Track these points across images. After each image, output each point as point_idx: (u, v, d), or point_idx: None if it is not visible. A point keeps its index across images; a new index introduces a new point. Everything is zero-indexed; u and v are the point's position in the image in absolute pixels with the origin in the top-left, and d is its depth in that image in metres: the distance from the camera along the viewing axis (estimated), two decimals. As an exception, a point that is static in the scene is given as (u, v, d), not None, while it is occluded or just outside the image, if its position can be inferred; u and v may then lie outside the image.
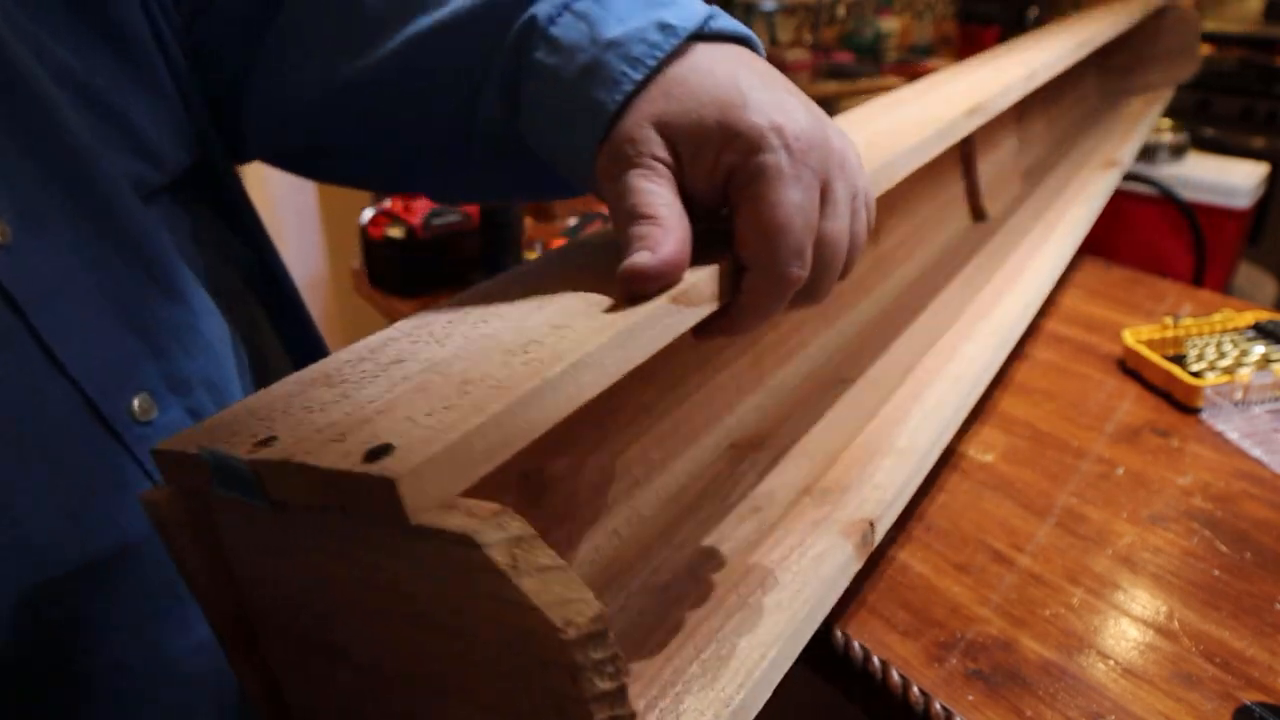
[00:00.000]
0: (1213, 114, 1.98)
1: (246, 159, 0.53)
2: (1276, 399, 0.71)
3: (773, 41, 2.23)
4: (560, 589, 0.23)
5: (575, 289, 0.36)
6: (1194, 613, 0.51)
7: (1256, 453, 0.65)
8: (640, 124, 0.35)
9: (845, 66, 2.33)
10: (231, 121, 0.50)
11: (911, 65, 2.40)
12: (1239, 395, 0.71)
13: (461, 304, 0.37)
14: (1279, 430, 0.68)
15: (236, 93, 0.48)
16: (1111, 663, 0.47)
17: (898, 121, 0.63)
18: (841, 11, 2.48)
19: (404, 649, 0.29)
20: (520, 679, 0.25)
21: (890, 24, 2.50)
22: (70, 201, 0.37)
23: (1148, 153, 1.42)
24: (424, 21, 0.42)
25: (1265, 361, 0.74)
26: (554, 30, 0.37)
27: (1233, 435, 0.68)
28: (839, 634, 0.49)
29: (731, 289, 0.36)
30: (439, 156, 0.47)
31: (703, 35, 0.37)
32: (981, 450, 0.66)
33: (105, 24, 0.41)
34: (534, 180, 0.45)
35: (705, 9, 0.37)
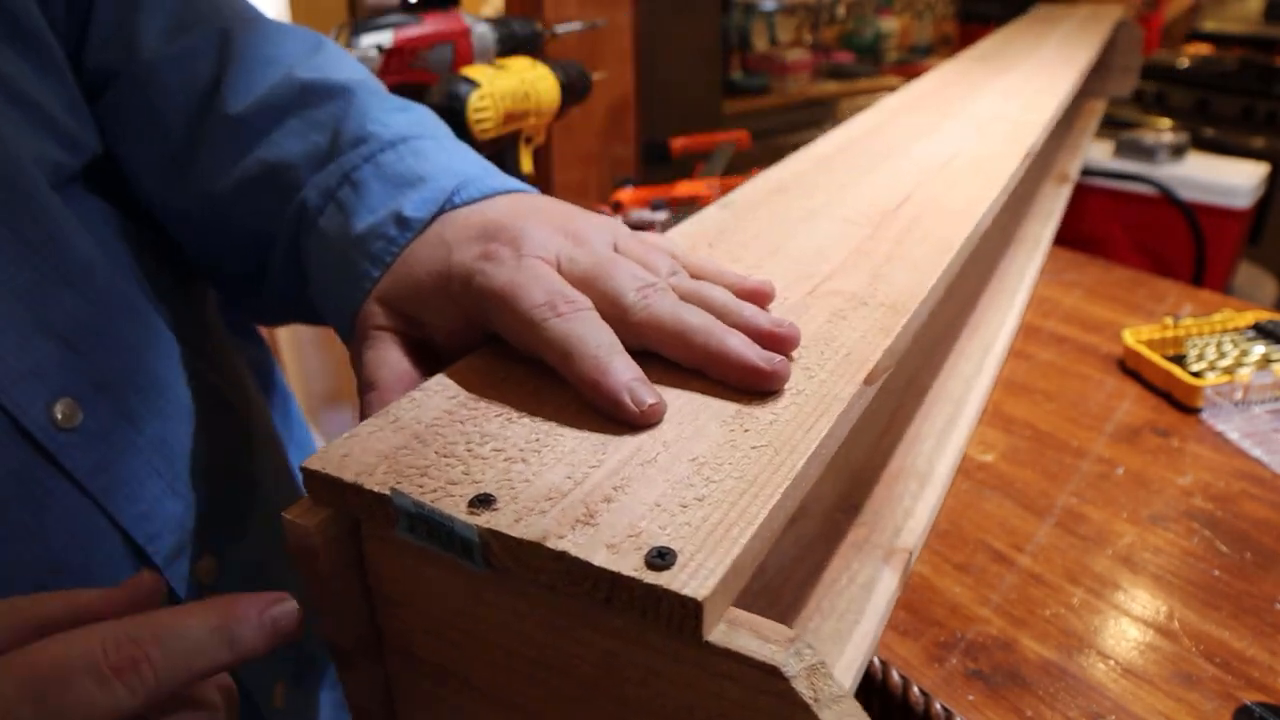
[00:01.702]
0: (1213, 114, 1.98)
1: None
2: (1276, 399, 0.71)
3: (772, 41, 2.23)
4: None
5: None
6: (1194, 613, 0.51)
7: (1256, 453, 0.65)
8: (368, 303, 0.37)
9: (845, 66, 2.32)
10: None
11: (911, 65, 2.40)
12: (1239, 395, 0.71)
13: None
14: (1279, 430, 0.68)
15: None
16: (1111, 663, 0.47)
17: (957, 167, 0.61)
18: (841, 11, 2.48)
19: None
20: None
21: (890, 24, 2.49)
22: None
23: (1147, 152, 1.42)
24: (230, 172, 0.43)
25: (1265, 361, 0.74)
26: (321, 222, 0.40)
27: (1233, 435, 0.68)
28: (839, 634, 0.49)
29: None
30: (241, 287, 0.49)
31: (443, 211, 0.38)
32: (981, 450, 0.66)
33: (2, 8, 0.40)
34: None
35: (453, 184, 0.38)
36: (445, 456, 0.28)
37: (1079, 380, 0.77)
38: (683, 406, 0.31)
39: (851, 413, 0.32)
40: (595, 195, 1.36)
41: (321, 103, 0.43)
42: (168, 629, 0.26)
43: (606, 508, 0.26)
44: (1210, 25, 2.48)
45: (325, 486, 0.28)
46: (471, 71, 0.79)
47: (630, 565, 0.23)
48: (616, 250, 0.36)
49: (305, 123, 0.42)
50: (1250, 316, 0.82)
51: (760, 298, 0.37)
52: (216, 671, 0.26)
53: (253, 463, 0.48)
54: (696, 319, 0.32)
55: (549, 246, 0.34)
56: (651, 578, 0.23)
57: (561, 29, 0.94)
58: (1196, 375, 0.72)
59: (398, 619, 0.31)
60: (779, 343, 0.33)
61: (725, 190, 1.11)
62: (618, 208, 1.03)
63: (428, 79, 0.79)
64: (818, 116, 2.12)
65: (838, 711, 0.23)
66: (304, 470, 0.28)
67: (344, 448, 0.29)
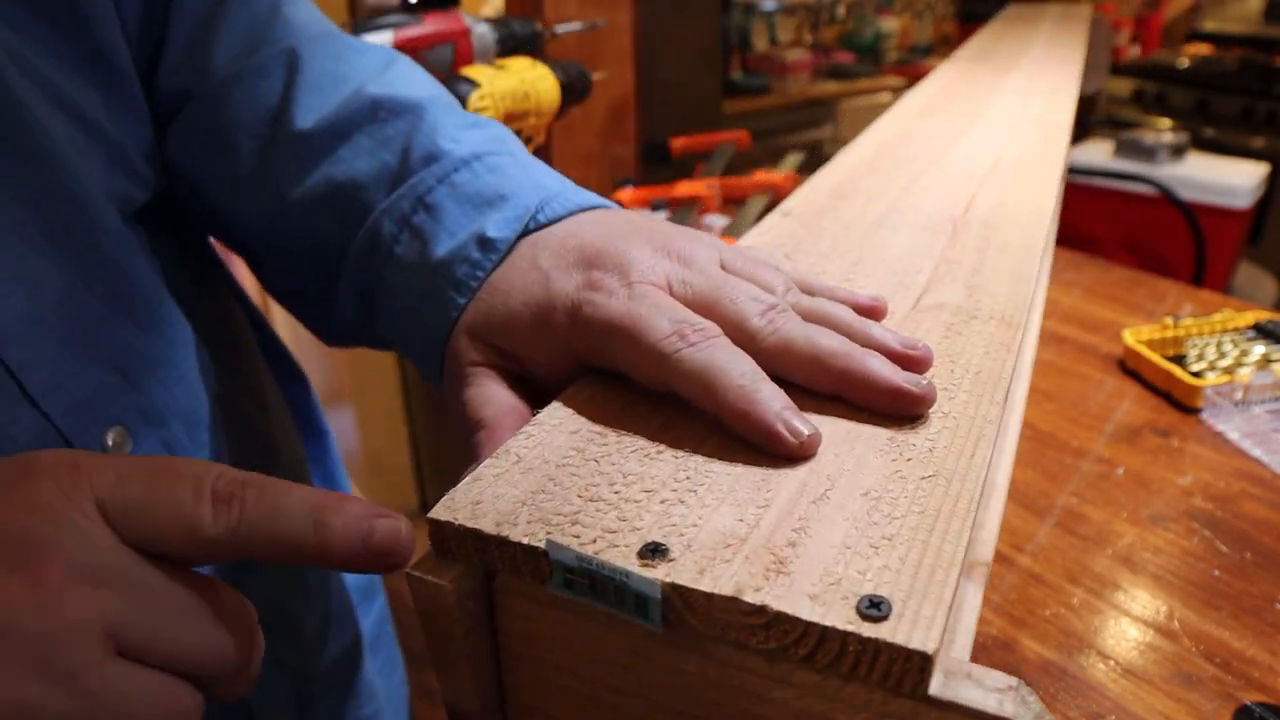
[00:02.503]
0: (1213, 114, 1.98)
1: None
2: (1276, 399, 0.71)
3: (772, 41, 2.23)
4: None
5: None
6: (1194, 613, 0.51)
7: (1256, 453, 0.65)
8: (457, 337, 0.35)
9: (845, 66, 2.33)
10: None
11: (911, 65, 2.40)
12: (1239, 395, 0.71)
13: None
14: (1279, 430, 0.68)
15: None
16: (1111, 663, 0.47)
17: (1006, 170, 0.59)
18: (841, 11, 2.48)
19: None
20: None
21: (890, 24, 2.49)
22: (45, 221, 0.35)
23: (1147, 152, 1.42)
24: (297, 189, 0.42)
25: (1265, 361, 0.74)
26: (398, 251, 0.38)
27: (1233, 435, 0.68)
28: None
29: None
30: (307, 305, 0.48)
31: (528, 231, 0.36)
32: (981, 450, 0.66)
33: (92, 46, 0.40)
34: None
35: (536, 200, 0.37)
36: (591, 500, 0.26)
37: (1079, 380, 0.77)
38: (831, 435, 0.29)
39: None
40: (595, 195, 1.36)
41: (391, 119, 0.41)
42: (270, 487, 0.26)
43: (794, 553, 0.24)
44: (1210, 25, 2.48)
45: (459, 538, 0.25)
46: (471, 71, 0.79)
47: (842, 617, 0.22)
48: (724, 268, 0.34)
49: (374, 140, 0.41)
50: (1250, 316, 0.82)
51: (875, 314, 0.35)
52: (299, 551, 0.26)
53: None
54: (831, 341, 0.30)
55: (657, 270, 0.32)
56: (869, 630, 0.21)
57: (561, 29, 0.94)
58: (1196, 375, 0.72)
59: (532, 678, 0.28)
60: (913, 364, 0.31)
61: (725, 190, 1.11)
62: (618, 208, 1.03)
63: (428, 79, 0.79)
64: (818, 116, 2.12)
65: None
66: (432, 521, 0.26)
67: (472, 493, 0.26)
